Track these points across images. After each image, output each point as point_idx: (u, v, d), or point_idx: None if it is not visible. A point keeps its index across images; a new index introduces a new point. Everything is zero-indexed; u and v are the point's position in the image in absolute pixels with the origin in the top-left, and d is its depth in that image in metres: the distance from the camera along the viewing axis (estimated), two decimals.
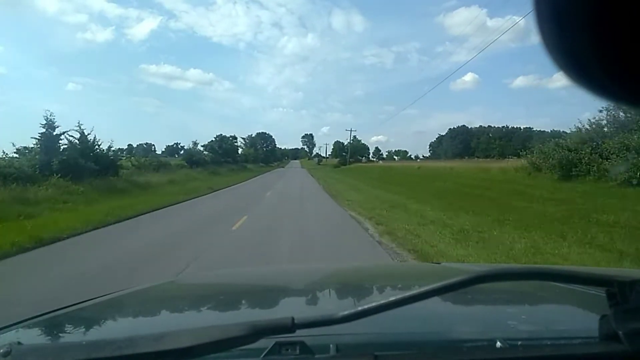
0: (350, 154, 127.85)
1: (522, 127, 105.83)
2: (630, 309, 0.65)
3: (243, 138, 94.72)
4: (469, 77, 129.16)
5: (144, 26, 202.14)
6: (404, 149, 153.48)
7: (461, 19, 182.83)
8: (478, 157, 64.97)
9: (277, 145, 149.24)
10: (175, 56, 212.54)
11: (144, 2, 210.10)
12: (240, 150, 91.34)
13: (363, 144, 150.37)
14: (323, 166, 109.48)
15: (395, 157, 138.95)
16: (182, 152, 50.26)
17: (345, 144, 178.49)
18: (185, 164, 36.26)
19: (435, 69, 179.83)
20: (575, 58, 0.49)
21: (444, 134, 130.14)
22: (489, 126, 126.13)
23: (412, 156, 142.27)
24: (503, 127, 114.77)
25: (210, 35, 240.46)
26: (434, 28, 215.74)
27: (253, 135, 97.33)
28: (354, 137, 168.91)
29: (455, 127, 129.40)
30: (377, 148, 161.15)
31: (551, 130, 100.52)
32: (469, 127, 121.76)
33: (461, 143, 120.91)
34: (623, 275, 0.68)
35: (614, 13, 0.44)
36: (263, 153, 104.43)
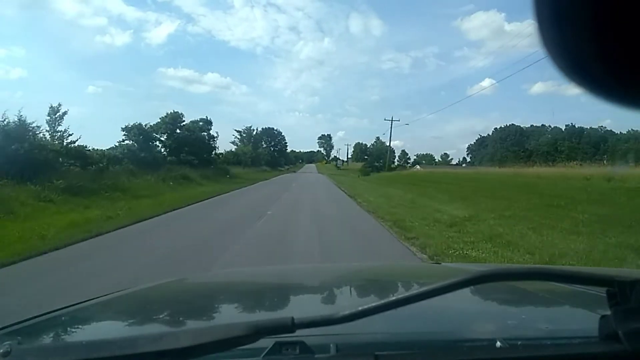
0: (374, 158, 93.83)
1: (584, 127, 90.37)
2: (631, 309, 0.66)
3: (238, 130, 63.74)
4: (486, 82, 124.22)
5: (163, 30, 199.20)
6: (427, 153, 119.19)
7: (479, 23, 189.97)
8: (535, 162, 49.03)
9: (290, 147, 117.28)
10: (193, 60, 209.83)
11: (162, 6, 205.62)
12: (233, 147, 58.20)
13: (387, 146, 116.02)
14: (344, 171, 78.64)
15: (422, 161, 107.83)
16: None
17: (368, 146, 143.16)
18: None
19: (453, 73, 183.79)
20: (578, 64, 0.48)
21: (485, 135, 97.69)
22: (542, 125, 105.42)
23: (450, 161, 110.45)
24: (568, 125, 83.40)
25: (228, 39, 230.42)
26: (452, 32, 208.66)
27: (257, 131, 67.35)
28: (377, 138, 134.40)
29: (504, 126, 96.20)
30: (403, 151, 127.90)
31: (628, 131, 69.02)
32: (522, 126, 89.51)
33: (514, 145, 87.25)
34: (623, 275, 0.71)
35: (615, 16, 0.43)
36: (269, 153, 73.87)
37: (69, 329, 1.24)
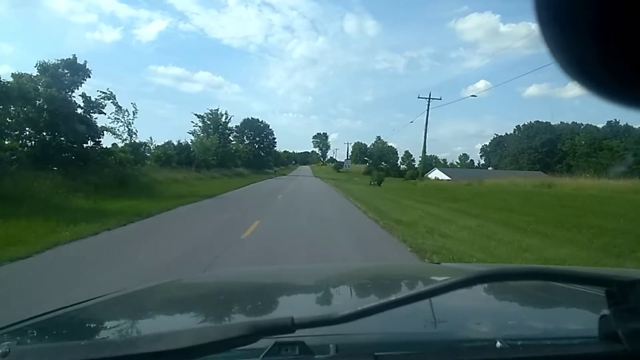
0: (375, 159, 71.82)
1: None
2: (630, 309, 0.68)
3: (199, 116, 42.36)
4: (481, 84, 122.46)
5: (154, 27, 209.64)
6: (431, 155, 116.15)
7: (474, 24, 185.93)
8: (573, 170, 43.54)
9: (284, 148, 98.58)
10: (184, 58, 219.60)
11: (155, 3, 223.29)
12: (188, 141, 35.61)
13: (390, 146, 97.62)
14: (345, 174, 56.19)
15: (432, 163, 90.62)
16: None
17: (368, 146, 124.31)
18: None
19: (449, 74, 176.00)
20: (580, 64, 0.48)
21: (503, 134, 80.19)
22: (573, 122, 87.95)
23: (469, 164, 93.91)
24: (610, 121, 63.56)
25: (221, 38, 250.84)
26: (447, 33, 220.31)
27: (227, 116, 45.38)
28: (378, 138, 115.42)
29: (528, 123, 75.92)
30: (407, 152, 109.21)
31: None
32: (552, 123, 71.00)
33: (544, 145, 64.28)
34: (622, 275, 0.75)
35: (616, 15, 0.43)
36: (252, 151, 53.43)
37: (68, 329, 1.26)
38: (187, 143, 38.15)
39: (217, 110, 52.62)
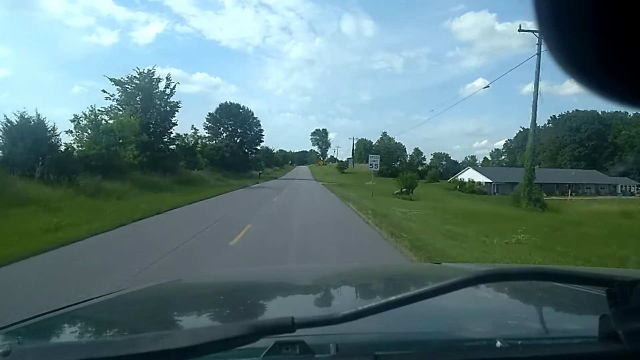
0: (383, 158, 46.46)
1: None
2: (631, 309, 0.70)
3: (116, 81, 28.25)
4: (479, 82, 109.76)
5: (152, 29, 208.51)
6: (443, 152, 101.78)
7: (470, 23, 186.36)
8: None
9: (279, 145, 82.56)
10: (182, 59, 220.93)
11: (152, 5, 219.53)
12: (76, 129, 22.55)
13: (398, 143, 77.24)
14: (350, 176, 33.69)
15: (442, 160, 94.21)
16: None
17: (373, 143, 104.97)
18: None
19: (445, 73, 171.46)
20: (579, 62, 0.49)
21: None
22: (616, 112, 70.30)
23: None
24: None
25: (219, 39, 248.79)
26: (444, 33, 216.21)
27: (212, 112, 29.99)
28: (384, 134, 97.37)
29: (566, 113, 54.61)
30: (417, 150, 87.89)
31: None
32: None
33: (590, 139, 40.00)
34: (623, 275, 0.78)
35: (614, 15, 0.44)
36: (231, 147, 35.48)
37: (69, 329, 1.27)
38: (52, 125, 17.94)
39: (151, 71, 28.90)
